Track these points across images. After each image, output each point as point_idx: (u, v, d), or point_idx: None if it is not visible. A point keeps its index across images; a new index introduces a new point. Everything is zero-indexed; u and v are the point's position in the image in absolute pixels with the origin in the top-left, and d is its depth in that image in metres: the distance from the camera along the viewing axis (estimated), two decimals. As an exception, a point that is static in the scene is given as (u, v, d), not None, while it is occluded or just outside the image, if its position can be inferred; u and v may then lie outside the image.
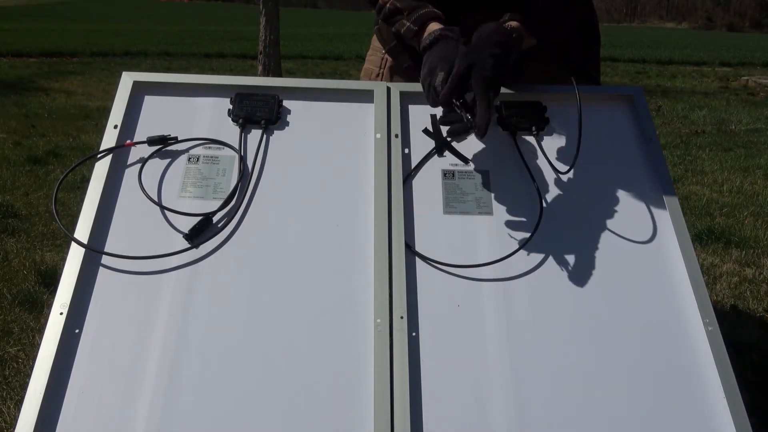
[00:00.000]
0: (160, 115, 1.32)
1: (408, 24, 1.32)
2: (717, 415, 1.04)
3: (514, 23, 1.26)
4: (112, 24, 22.85)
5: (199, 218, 1.18)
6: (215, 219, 1.20)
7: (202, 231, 1.18)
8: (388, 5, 1.37)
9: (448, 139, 1.27)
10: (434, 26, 1.30)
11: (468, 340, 1.09)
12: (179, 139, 1.28)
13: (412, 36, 1.32)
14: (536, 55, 1.32)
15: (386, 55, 1.56)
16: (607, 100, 1.40)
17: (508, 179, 1.28)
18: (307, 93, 1.36)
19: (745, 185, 4.58)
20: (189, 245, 1.16)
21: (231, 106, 1.32)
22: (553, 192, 1.26)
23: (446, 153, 1.29)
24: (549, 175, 1.28)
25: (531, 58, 1.31)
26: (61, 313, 1.08)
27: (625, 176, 1.29)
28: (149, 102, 1.34)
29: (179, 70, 10.95)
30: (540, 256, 1.18)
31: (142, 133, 1.29)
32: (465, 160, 1.28)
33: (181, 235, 1.17)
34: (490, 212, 1.23)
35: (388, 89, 1.35)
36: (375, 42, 1.61)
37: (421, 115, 1.33)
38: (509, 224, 1.22)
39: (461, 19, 1.37)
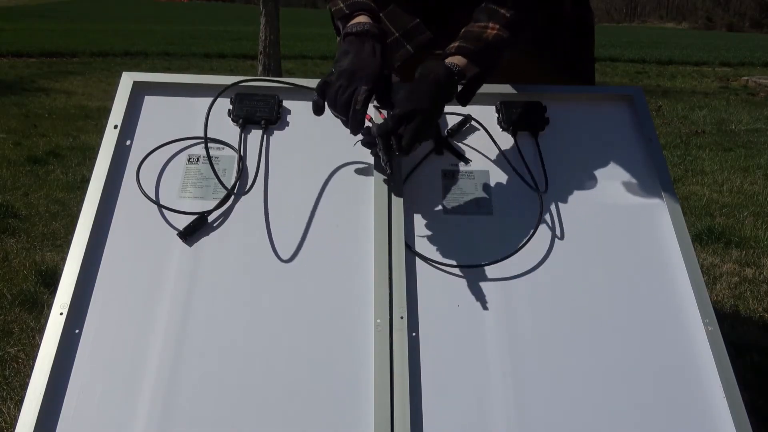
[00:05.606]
0: (160, 115, 1.32)
1: (341, 5, 1.28)
2: (717, 415, 1.04)
3: (456, 59, 1.20)
4: (112, 24, 22.83)
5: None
6: (214, 218, 1.20)
7: (196, 230, 1.18)
8: None
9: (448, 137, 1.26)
10: (363, 18, 1.24)
11: (468, 340, 1.09)
12: (179, 138, 1.28)
13: (340, 17, 1.28)
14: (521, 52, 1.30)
15: None
16: (607, 100, 1.40)
17: (508, 179, 1.28)
18: (307, 93, 1.36)
19: (745, 185, 4.58)
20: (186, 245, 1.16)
21: (231, 106, 1.32)
22: (552, 192, 1.26)
23: (446, 153, 1.29)
24: (549, 175, 1.27)
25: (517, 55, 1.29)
26: (61, 313, 1.08)
27: (625, 176, 1.29)
28: (149, 102, 1.34)
29: (179, 70, 10.94)
30: (540, 256, 1.18)
31: (142, 133, 1.29)
32: (465, 160, 1.28)
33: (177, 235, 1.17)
34: (490, 212, 1.23)
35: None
36: None
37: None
38: (509, 224, 1.22)
39: (445, 16, 1.37)
